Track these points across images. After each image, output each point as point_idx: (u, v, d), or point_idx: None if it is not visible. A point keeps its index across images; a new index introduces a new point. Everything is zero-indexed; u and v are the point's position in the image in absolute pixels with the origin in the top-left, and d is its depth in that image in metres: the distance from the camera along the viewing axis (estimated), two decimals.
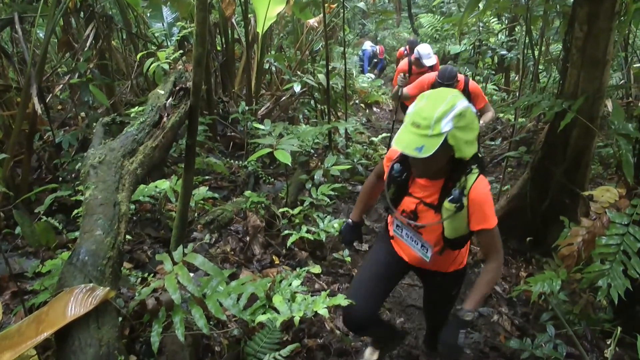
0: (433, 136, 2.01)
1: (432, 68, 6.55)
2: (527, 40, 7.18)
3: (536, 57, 7.31)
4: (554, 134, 4.30)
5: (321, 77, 6.57)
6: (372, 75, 12.92)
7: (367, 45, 16.46)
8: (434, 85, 4.95)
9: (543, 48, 7.88)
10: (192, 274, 3.23)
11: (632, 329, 3.35)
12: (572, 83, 4.12)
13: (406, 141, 2.05)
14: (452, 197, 2.20)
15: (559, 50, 6.93)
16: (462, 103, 2.08)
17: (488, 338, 3.72)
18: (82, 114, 5.29)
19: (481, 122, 5.01)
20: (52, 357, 2.57)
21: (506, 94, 10.62)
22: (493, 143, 8.23)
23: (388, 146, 7.99)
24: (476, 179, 2.21)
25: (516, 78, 9.20)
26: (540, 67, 8.09)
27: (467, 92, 5.07)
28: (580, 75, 4.03)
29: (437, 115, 2.02)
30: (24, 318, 2.03)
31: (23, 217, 2.41)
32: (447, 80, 4.88)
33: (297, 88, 6.28)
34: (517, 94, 7.49)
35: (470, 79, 5.23)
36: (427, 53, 6.59)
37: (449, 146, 2.07)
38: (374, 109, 11.81)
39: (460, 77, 5.12)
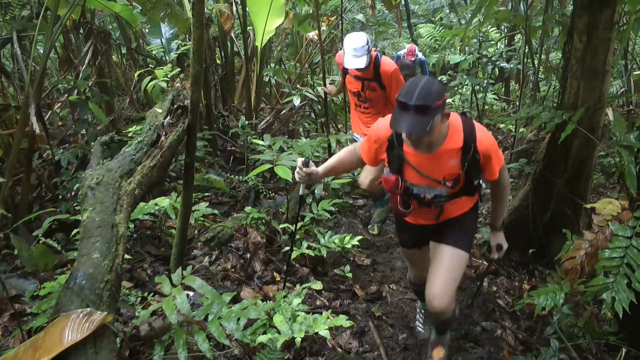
0: None
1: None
2: (526, 50, 7.18)
3: (536, 66, 7.29)
4: (555, 145, 4.28)
5: (320, 90, 6.56)
6: None
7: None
8: None
9: (543, 57, 7.87)
10: (191, 293, 3.23)
11: (637, 343, 3.32)
12: (572, 94, 4.11)
13: None
14: None
15: (559, 59, 6.92)
16: None
17: (492, 353, 3.66)
18: (83, 131, 5.27)
19: None
20: None
21: (506, 104, 10.60)
22: None
23: None
24: None
25: (516, 87, 9.17)
26: (541, 76, 8.07)
27: None
28: (580, 85, 4.02)
29: None
30: (21, 341, 2.00)
31: (21, 242, 2.39)
32: None
33: (296, 101, 6.27)
34: (518, 104, 7.47)
35: None
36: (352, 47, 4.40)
37: None
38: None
39: None
